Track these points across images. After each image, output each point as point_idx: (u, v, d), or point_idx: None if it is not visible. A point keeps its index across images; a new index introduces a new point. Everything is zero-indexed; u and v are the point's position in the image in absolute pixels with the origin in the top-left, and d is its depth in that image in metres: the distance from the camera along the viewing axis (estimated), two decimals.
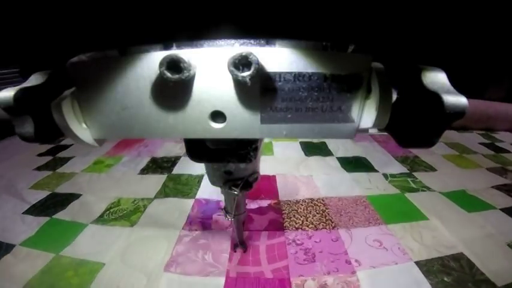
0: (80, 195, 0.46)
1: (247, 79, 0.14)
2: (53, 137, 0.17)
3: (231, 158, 0.22)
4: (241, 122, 0.16)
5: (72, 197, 0.46)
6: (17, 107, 0.15)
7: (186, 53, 0.14)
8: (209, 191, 0.47)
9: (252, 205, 0.44)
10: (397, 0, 0.16)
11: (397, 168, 0.58)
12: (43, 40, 0.18)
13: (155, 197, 0.46)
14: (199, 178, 0.51)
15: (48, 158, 0.61)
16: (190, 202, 0.44)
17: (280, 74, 0.15)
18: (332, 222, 0.40)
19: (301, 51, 0.15)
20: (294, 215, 0.41)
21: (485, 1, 0.16)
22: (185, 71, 0.14)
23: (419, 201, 0.46)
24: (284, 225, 0.39)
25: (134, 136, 0.17)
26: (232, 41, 0.15)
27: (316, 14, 0.16)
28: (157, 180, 0.50)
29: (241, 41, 0.15)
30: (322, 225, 0.39)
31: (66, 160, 0.60)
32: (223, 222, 0.39)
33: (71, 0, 0.16)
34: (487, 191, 0.50)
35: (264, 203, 0.44)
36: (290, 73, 0.15)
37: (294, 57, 0.15)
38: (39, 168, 0.56)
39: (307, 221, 0.40)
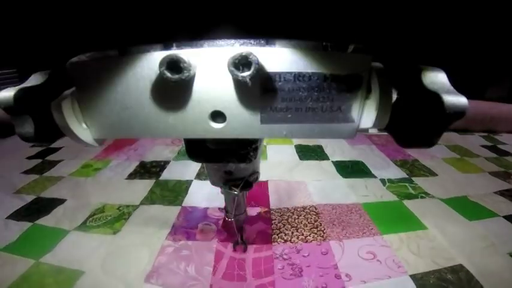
0: (65, 200, 0.45)
1: (247, 79, 0.14)
2: (53, 137, 0.18)
3: (231, 158, 0.22)
4: (241, 122, 0.16)
5: (56, 202, 0.45)
6: (17, 107, 0.15)
7: (186, 53, 0.14)
8: (196, 198, 0.45)
9: None
10: (397, 1, 0.16)
11: (396, 172, 0.55)
12: (43, 40, 0.18)
13: (141, 204, 0.44)
14: (188, 184, 0.50)
15: (37, 161, 0.60)
16: (176, 210, 0.43)
17: (280, 74, 0.15)
18: (323, 233, 0.38)
19: (301, 51, 0.15)
20: (284, 225, 0.40)
21: (485, 1, 0.16)
22: (185, 71, 0.14)
23: (418, 209, 0.43)
24: (273, 237, 0.37)
25: (134, 136, 0.17)
26: (232, 41, 0.15)
27: (316, 14, 0.16)
28: (144, 186, 0.49)
29: (241, 41, 0.15)
30: (313, 236, 0.38)
31: (54, 163, 0.58)
32: (208, 232, 0.38)
33: (71, 0, 0.16)
34: (489, 197, 0.48)
35: (254, 211, 0.42)
36: (290, 73, 0.15)
37: (294, 57, 0.15)
38: (26, 172, 0.56)
39: (297, 231, 0.38)
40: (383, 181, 0.52)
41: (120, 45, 0.16)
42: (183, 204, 0.44)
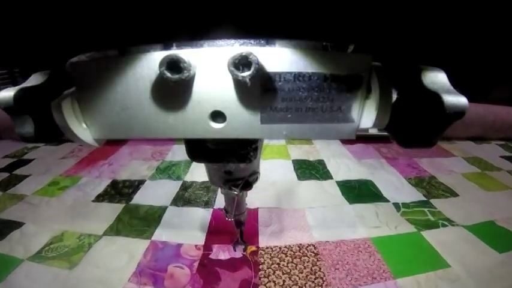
0: (23, 224, 0.41)
1: (247, 79, 0.14)
2: (53, 137, 0.18)
3: (231, 158, 0.22)
4: (241, 122, 0.16)
5: (13, 226, 0.40)
6: (17, 107, 0.15)
7: (186, 53, 0.14)
8: (170, 231, 0.39)
9: (223, 254, 0.34)
10: (397, 0, 0.16)
11: (411, 194, 0.48)
12: (43, 40, 0.18)
13: (104, 234, 0.38)
14: (162, 211, 0.43)
15: (4, 176, 0.55)
16: (144, 244, 0.36)
17: (280, 74, 0.15)
18: (323, 281, 0.31)
19: (301, 51, 0.14)
20: (275, 272, 0.32)
21: (486, 0, 0.16)
22: (185, 71, 0.14)
23: (440, 242, 0.37)
24: (259, 287, 0.31)
25: (134, 136, 0.17)
26: (232, 41, 0.15)
27: (316, 13, 0.16)
28: (111, 211, 0.43)
29: (241, 41, 0.15)
30: (309, 285, 0.30)
31: (21, 179, 0.54)
32: (181, 277, 0.32)
33: (71, 0, 0.16)
34: None
35: (239, 252, 0.35)
36: (290, 73, 0.15)
37: (294, 57, 0.15)
38: None
39: (290, 280, 0.31)
40: (397, 206, 0.44)
41: (120, 45, 0.16)
42: (153, 238, 0.37)
